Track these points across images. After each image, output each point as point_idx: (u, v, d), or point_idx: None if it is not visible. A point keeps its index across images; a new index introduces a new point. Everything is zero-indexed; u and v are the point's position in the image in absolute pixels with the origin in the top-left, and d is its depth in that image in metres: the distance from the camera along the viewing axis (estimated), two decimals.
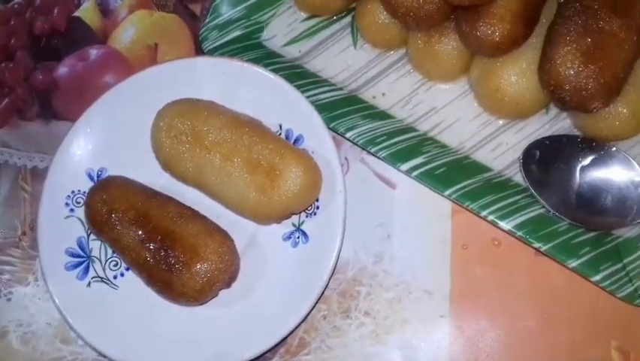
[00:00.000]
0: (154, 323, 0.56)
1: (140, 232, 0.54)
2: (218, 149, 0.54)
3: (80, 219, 0.58)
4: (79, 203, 0.58)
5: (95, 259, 0.58)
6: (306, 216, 0.56)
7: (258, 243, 0.57)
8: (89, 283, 0.57)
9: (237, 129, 0.54)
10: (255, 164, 0.53)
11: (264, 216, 0.54)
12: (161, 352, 0.55)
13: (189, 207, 0.56)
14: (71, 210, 0.58)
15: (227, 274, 0.54)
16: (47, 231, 0.57)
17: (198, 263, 0.52)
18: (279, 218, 0.55)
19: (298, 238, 0.56)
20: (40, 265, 0.57)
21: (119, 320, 0.56)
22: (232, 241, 0.55)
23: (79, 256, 0.57)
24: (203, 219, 0.56)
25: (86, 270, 0.57)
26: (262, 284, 0.56)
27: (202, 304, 0.55)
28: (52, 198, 0.58)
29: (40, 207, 0.58)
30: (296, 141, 0.57)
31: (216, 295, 0.55)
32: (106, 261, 0.58)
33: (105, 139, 0.59)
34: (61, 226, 0.58)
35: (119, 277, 0.57)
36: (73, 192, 0.58)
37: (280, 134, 0.57)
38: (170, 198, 0.57)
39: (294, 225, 0.56)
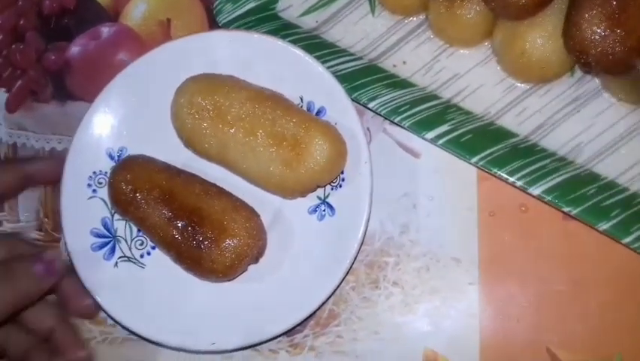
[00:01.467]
0: (183, 300, 0.56)
1: (166, 210, 0.53)
2: (242, 124, 0.53)
3: (103, 199, 0.57)
4: (101, 183, 0.58)
5: (120, 238, 0.57)
6: (332, 189, 0.55)
7: (284, 217, 0.57)
8: (116, 263, 0.57)
9: (260, 103, 0.53)
10: (279, 137, 0.52)
11: (289, 190, 0.54)
12: (191, 328, 0.55)
13: (213, 184, 0.56)
14: (94, 190, 0.58)
15: (256, 248, 0.54)
16: (71, 213, 0.57)
17: (227, 239, 0.52)
18: (306, 191, 0.55)
19: (324, 210, 0.55)
20: (67, 248, 0.56)
21: (148, 297, 0.56)
22: (258, 216, 0.55)
23: (104, 237, 0.57)
24: (228, 195, 0.55)
25: (112, 250, 0.57)
26: (290, 258, 0.55)
27: (231, 280, 0.55)
28: (73, 181, 0.57)
29: (62, 190, 0.57)
30: (318, 113, 0.56)
31: (245, 271, 0.55)
32: (132, 240, 0.57)
33: (124, 118, 0.58)
34: (84, 207, 0.57)
35: (145, 255, 0.57)
36: (94, 172, 0.58)
37: (302, 107, 0.56)
38: (193, 176, 0.56)
39: (319, 198, 0.56)
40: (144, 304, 0.56)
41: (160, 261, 0.56)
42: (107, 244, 0.57)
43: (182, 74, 0.56)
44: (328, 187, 0.56)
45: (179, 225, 0.53)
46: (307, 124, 0.52)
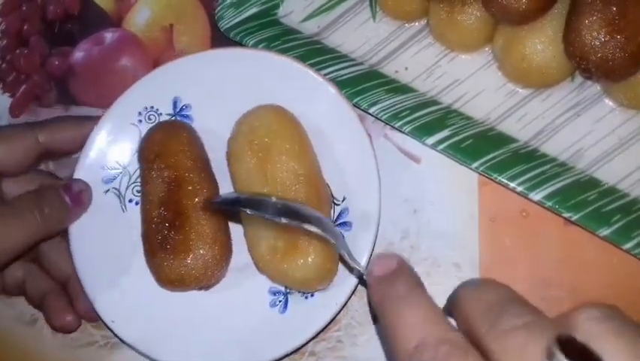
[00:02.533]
0: (139, 266, 0.55)
1: (164, 193, 0.53)
2: (272, 183, 0.51)
3: (140, 132, 0.57)
4: (150, 119, 0.57)
5: (127, 173, 0.57)
6: (299, 292, 0.54)
7: (251, 274, 0.55)
8: (108, 190, 0.57)
9: (299, 185, 0.51)
10: (288, 226, 0.51)
11: (260, 269, 0.53)
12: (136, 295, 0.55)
13: None
14: (140, 121, 0.57)
15: (202, 283, 0.53)
16: (109, 125, 0.57)
17: (184, 259, 0.52)
18: (274, 281, 0.54)
19: (279, 302, 0.54)
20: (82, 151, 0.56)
21: (112, 241, 0.55)
22: (229, 258, 0.54)
23: (117, 162, 0.57)
24: (222, 222, 0.54)
25: (114, 178, 0.57)
26: (237, 305, 0.55)
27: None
28: (131, 100, 0.57)
29: (114, 104, 0.57)
30: (341, 214, 0.55)
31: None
32: (133, 182, 0.57)
33: (203, 81, 0.57)
34: (122, 129, 0.57)
35: (132, 203, 0.57)
36: (152, 107, 0.57)
37: (338, 205, 0.55)
38: (210, 182, 0.55)
39: (285, 286, 0.55)
40: (106, 243, 0.55)
41: (139, 218, 0.55)
42: (114, 168, 0.57)
43: (265, 81, 0.56)
44: None
45: (163, 214, 0.53)
46: (314, 237, 0.50)
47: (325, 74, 0.58)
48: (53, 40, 0.68)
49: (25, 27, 0.69)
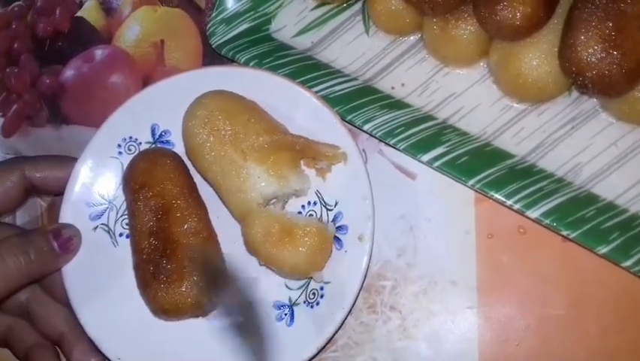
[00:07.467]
0: (142, 301, 0.54)
1: (152, 223, 0.53)
2: (251, 153, 0.52)
3: (122, 164, 0.56)
4: (130, 150, 0.57)
5: (113, 207, 0.56)
6: (304, 302, 0.54)
7: (254, 288, 0.55)
8: (96, 227, 0.56)
9: (275, 147, 0.53)
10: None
11: (250, 251, 0.53)
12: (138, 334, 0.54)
13: (210, 228, 0.55)
14: (120, 153, 0.57)
15: (196, 311, 0.53)
16: (89, 162, 0.56)
17: (178, 288, 0.51)
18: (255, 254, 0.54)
19: (285, 315, 0.54)
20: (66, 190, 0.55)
21: (107, 278, 0.55)
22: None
23: (102, 198, 0.56)
24: (213, 246, 0.54)
25: (101, 214, 0.56)
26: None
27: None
28: (109, 133, 0.56)
29: (93, 139, 0.56)
30: (335, 218, 0.55)
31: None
32: (121, 215, 0.56)
33: (179, 105, 0.56)
34: (103, 163, 0.56)
35: (123, 237, 0.56)
36: (131, 137, 0.57)
37: (331, 210, 0.55)
38: (200, 207, 0.55)
39: (290, 299, 0.54)
40: (100, 283, 0.54)
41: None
42: (100, 204, 0.56)
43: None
44: (302, 297, 0.54)
45: (153, 243, 0.52)
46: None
47: (319, 91, 0.57)
48: (43, 59, 0.67)
49: (15, 45, 0.68)
